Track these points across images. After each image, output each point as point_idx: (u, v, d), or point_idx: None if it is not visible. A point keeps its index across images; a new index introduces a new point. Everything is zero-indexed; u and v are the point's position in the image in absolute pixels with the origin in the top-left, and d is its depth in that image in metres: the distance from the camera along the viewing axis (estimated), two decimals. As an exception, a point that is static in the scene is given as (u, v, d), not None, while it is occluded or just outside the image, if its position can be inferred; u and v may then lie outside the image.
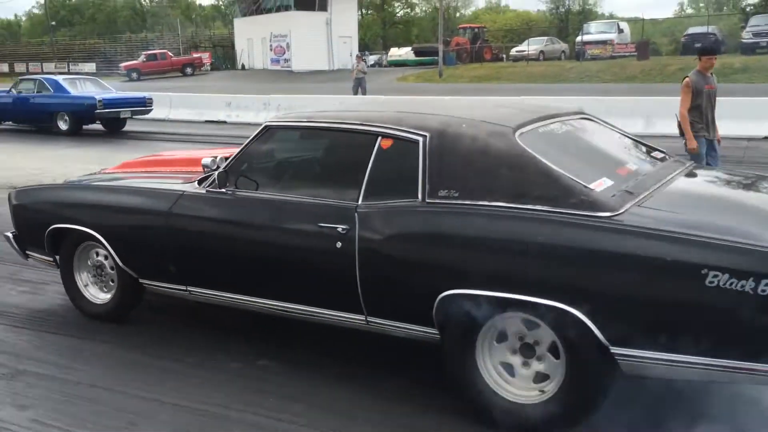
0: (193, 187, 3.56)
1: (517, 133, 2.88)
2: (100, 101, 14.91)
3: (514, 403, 2.76)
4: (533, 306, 2.60)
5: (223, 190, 3.40)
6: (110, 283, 4.01)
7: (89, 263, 4.06)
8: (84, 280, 4.10)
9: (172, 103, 19.60)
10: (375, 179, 3.01)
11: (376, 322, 3.04)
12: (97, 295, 4.08)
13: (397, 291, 2.91)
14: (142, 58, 44.82)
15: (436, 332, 2.87)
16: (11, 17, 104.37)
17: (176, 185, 3.65)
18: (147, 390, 3.26)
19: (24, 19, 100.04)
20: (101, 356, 3.66)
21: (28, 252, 4.29)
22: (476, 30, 42.65)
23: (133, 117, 16.43)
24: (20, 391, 3.30)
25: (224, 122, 18.07)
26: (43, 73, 43.32)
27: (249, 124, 17.65)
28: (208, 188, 3.46)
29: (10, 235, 4.36)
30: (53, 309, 4.34)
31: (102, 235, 3.77)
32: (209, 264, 3.46)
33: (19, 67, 52.63)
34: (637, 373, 2.57)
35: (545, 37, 40.72)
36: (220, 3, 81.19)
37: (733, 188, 3.28)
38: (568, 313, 2.52)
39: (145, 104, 16.49)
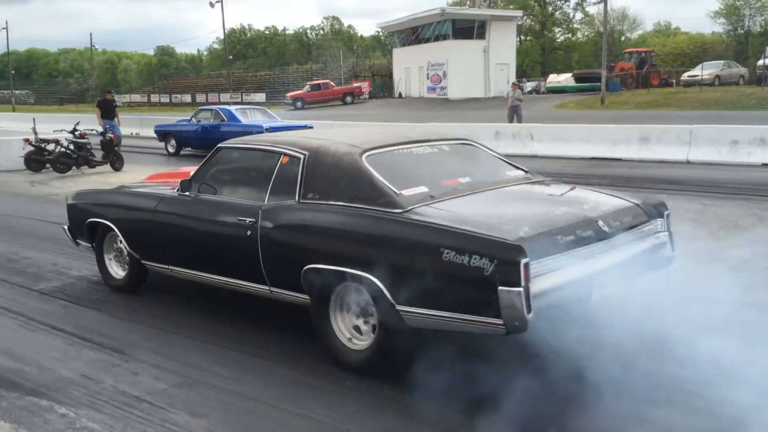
0: (171, 192, 4.83)
1: (365, 155, 3.94)
2: (267, 129, 15.97)
3: (357, 350, 3.78)
4: (354, 276, 3.59)
5: (187, 193, 4.67)
6: (125, 264, 5.34)
7: (113, 248, 5.48)
8: (109, 261, 5.51)
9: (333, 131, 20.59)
10: (276, 185, 4.14)
11: (276, 291, 4.12)
12: (118, 272, 5.47)
13: (282, 266, 3.99)
14: (306, 87, 47.56)
15: (308, 298, 3.92)
16: (194, 52, 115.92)
17: (163, 190, 4.99)
18: (304, 407, 3.43)
19: (205, 53, 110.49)
20: (265, 371, 3.91)
21: (77, 240, 5.74)
22: (643, 54, 40.65)
23: None
24: (194, 399, 3.60)
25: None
26: (219, 103, 47.48)
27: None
28: (179, 193, 4.72)
29: (65, 227, 5.83)
30: (222, 324, 4.72)
31: (116, 227, 5.21)
32: (178, 247, 4.73)
33: (200, 98, 58.02)
34: (417, 326, 3.44)
35: (721, 61, 37.99)
36: (380, 34, 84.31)
37: (530, 198, 3.97)
38: (372, 281, 3.48)
39: None
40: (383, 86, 52.90)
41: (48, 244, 7.28)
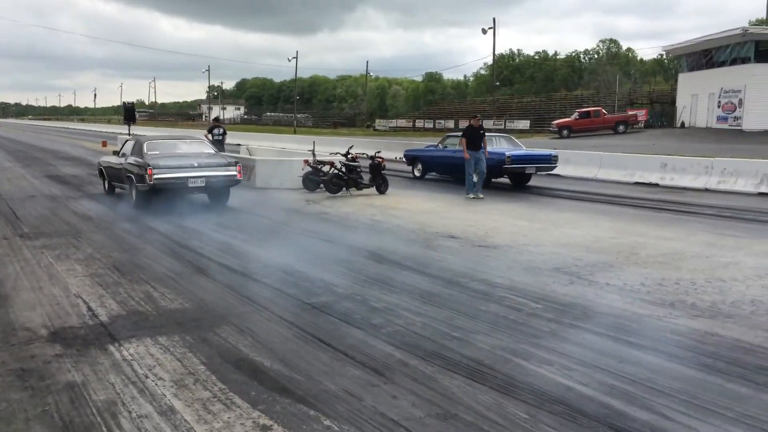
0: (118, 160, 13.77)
1: (145, 142, 13.09)
2: (508, 157, 16.08)
3: None
4: None
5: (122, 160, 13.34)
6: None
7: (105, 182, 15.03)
8: (106, 185, 14.87)
9: (602, 163, 19.89)
10: None
11: None
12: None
13: None
14: (574, 115, 46.65)
15: None
16: (461, 78, 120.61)
17: (120, 160, 13.72)
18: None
19: (471, 79, 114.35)
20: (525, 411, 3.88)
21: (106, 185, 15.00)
22: None
23: (538, 173, 17.27)
24: (449, 432, 3.71)
25: (656, 185, 17.54)
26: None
27: (685, 188, 16.77)
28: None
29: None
30: (481, 355, 4.80)
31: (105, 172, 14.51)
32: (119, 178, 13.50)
33: (462, 124, 60.02)
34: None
35: None
36: (664, 58, 79.45)
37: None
38: None
39: (550, 161, 17.19)
40: (662, 115, 49.70)
41: (318, 261, 8.06)
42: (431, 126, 67.23)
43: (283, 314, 5.90)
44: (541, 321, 5.68)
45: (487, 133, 15.84)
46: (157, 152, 12.96)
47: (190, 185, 12.47)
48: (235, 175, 12.89)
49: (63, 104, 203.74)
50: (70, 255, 8.55)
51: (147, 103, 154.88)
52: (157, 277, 7.29)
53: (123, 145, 14.56)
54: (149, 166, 12.14)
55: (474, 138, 14.90)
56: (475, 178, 14.72)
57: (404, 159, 20.72)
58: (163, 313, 5.98)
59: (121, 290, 6.77)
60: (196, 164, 12.59)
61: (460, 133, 18.11)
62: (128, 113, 31.95)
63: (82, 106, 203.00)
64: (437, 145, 19.30)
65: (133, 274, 7.48)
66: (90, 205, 13.27)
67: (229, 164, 12.94)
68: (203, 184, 12.58)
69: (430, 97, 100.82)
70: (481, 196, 14.45)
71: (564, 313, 5.89)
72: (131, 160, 13.06)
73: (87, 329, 5.53)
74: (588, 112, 46.19)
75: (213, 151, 13.72)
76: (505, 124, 55.45)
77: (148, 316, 5.88)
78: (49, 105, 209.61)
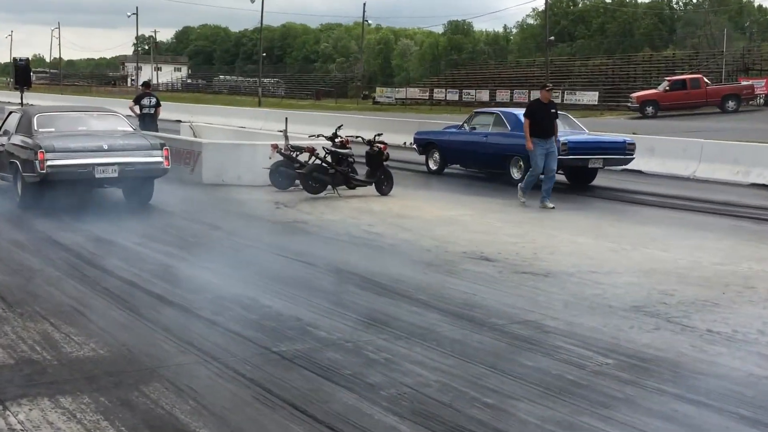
0: None
1: (36, 115, 13.79)
2: (564, 145, 15.86)
3: None
4: None
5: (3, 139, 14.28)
6: None
7: None
8: None
9: (703, 154, 19.94)
10: None
11: None
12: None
13: None
14: (663, 85, 46.77)
15: None
16: (498, 29, 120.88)
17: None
18: None
19: (514, 32, 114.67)
20: None
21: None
22: None
23: (606, 168, 17.48)
24: None
25: (782, 187, 17.60)
26: (507, 105, 48.68)
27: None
28: None
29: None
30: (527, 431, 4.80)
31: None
32: None
33: (501, 95, 60.37)
34: None
35: None
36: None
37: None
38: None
39: (624, 151, 17.33)
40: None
41: (291, 290, 8.07)
42: (456, 97, 67.44)
43: (240, 367, 5.90)
44: (613, 383, 5.68)
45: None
46: (52, 129, 13.16)
47: (97, 175, 12.64)
48: (161, 163, 13.11)
49: None
50: (-66, 277, 8.58)
51: (48, 60, 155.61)
52: (59, 311, 7.29)
53: (5, 119, 14.69)
54: (40, 148, 12.27)
55: (543, 119, 14.40)
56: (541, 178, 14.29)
57: (415, 145, 20.87)
58: (67, 362, 5.98)
59: (7, 329, 6.78)
60: (106, 146, 12.78)
61: (494, 109, 18.04)
62: (20, 74, 32.20)
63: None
64: (462, 125, 19.39)
65: (25, 306, 7.49)
66: (-39, 206, 13.33)
67: (152, 147, 13.17)
68: (116, 174, 12.76)
69: (455, 57, 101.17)
70: (551, 205, 14.04)
71: (646, 373, 5.89)
72: (15, 140, 13.19)
73: (-44, 385, 5.53)
74: (683, 81, 46.31)
75: (131, 129, 13.95)
76: (562, 96, 55.62)
77: (45, 367, 5.88)
78: None
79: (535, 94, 54.66)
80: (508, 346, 6.45)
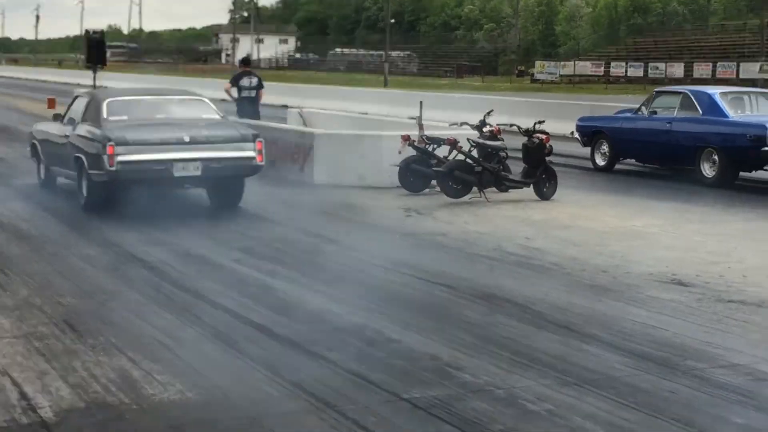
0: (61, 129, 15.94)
1: (105, 100, 14.62)
2: None
3: None
4: None
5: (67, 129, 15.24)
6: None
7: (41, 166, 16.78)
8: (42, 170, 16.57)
9: None
10: None
11: None
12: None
13: None
14: None
15: None
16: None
17: (63, 130, 15.15)
18: None
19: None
20: None
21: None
22: None
23: None
24: None
25: None
26: (730, 80, 47.41)
27: None
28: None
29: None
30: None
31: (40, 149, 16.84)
32: None
33: (701, 70, 59.07)
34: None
35: None
36: None
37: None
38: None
39: None
40: None
41: (426, 321, 8.14)
42: (639, 73, 66.54)
43: (361, 418, 5.96)
44: None
45: (734, 89, 15.76)
46: (125, 117, 13.51)
47: (176, 174, 12.93)
48: (252, 158, 13.35)
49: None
50: (-9, 300, 8.92)
51: (126, 32, 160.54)
52: (139, 344, 7.48)
53: (70, 105, 15.17)
54: (110, 140, 12.59)
55: None
56: None
57: (578, 134, 20.84)
58: (148, 408, 6.12)
59: (76, 364, 6.97)
60: (187, 138, 13.05)
61: (681, 88, 17.80)
62: (93, 50, 32.63)
63: (13, 36, 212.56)
64: (639, 109, 19.29)
65: (98, 336, 7.69)
66: (25, 210, 13.96)
67: (242, 138, 13.40)
68: (198, 173, 13.04)
69: (639, 21, 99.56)
70: None
71: None
72: (81, 130, 13.60)
73: (18, 431, 5.74)
74: None
75: (218, 117, 14.17)
76: (782, 70, 54.08)
77: (122, 413, 6.03)
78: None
79: (747, 68, 53.68)
80: (709, 398, 6.35)
